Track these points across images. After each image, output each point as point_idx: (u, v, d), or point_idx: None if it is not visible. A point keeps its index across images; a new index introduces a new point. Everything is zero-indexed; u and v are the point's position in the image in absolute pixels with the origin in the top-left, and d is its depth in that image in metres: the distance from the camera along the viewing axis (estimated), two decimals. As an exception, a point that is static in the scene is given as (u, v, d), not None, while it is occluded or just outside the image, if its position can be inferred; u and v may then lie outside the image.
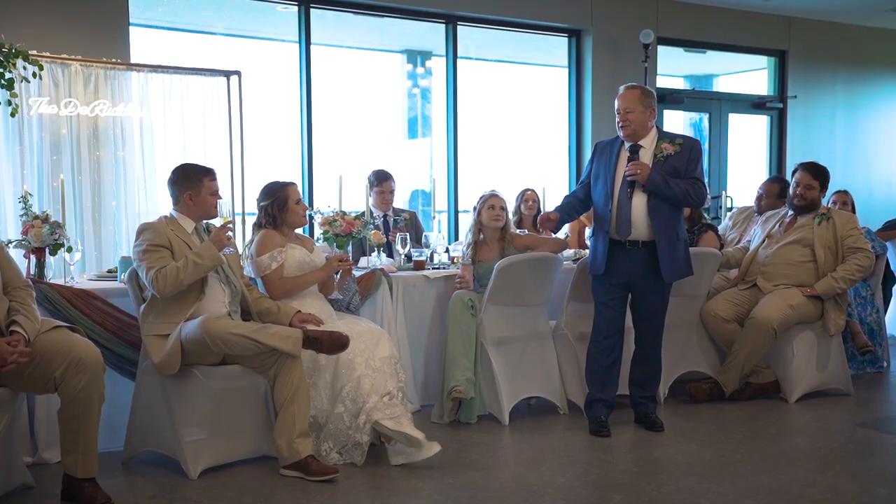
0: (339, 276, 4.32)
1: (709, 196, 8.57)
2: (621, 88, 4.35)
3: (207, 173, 3.92)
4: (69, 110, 5.66)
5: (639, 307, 4.47)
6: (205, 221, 3.99)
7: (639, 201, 4.25)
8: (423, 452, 3.82)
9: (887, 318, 6.29)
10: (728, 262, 5.31)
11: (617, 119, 4.32)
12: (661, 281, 4.32)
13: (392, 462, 3.85)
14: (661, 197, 4.21)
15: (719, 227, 6.06)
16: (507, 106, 8.95)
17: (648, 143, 4.31)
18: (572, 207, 4.58)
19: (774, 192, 5.70)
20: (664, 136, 4.33)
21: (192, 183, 3.86)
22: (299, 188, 4.37)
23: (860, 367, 5.74)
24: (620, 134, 4.34)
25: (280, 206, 4.20)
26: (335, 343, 3.70)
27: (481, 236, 4.82)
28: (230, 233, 3.86)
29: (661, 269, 4.26)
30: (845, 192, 6.18)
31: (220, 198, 3.97)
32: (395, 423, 3.82)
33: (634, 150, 4.30)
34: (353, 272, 4.57)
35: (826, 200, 6.09)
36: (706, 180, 9.29)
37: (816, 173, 5.14)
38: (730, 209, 6.80)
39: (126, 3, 6.64)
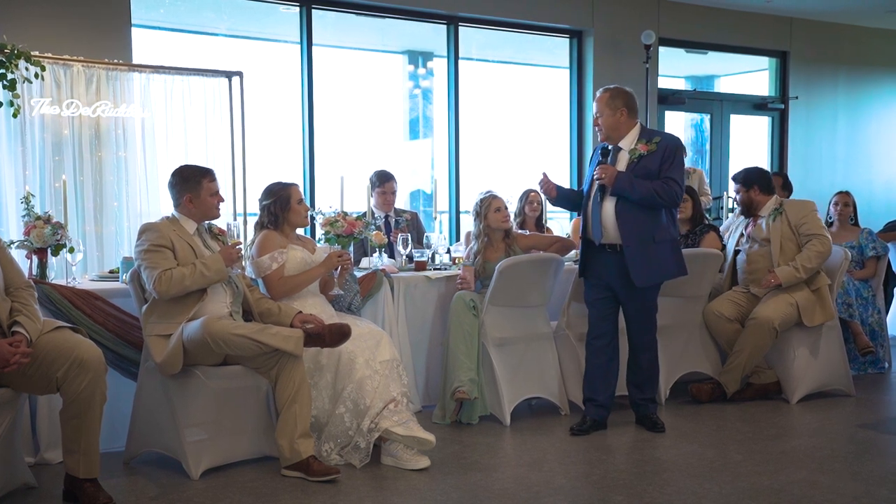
0: (338, 272, 4.33)
1: (710, 196, 8.61)
2: (597, 93, 4.36)
3: (206, 174, 3.91)
4: (71, 111, 5.67)
5: (624, 310, 4.45)
6: (207, 222, 4.00)
7: (609, 205, 4.24)
8: (412, 464, 3.82)
9: (888, 318, 6.28)
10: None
11: (592, 123, 4.37)
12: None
13: (382, 461, 3.87)
14: (628, 199, 4.19)
15: (724, 226, 6.06)
16: (509, 107, 8.95)
17: (628, 144, 4.29)
18: (573, 195, 4.59)
19: (777, 184, 5.69)
20: (643, 136, 4.29)
21: (191, 185, 3.86)
22: (301, 189, 4.38)
23: (861, 367, 5.73)
24: (600, 138, 4.38)
25: (282, 204, 4.21)
26: (337, 334, 3.70)
27: (486, 238, 4.81)
28: (241, 254, 3.87)
29: (630, 273, 4.21)
30: (847, 193, 6.18)
31: (222, 199, 3.98)
32: (406, 429, 3.83)
33: (605, 154, 4.31)
34: (355, 273, 4.57)
35: (828, 201, 6.14)
36: (709, 180, 9.26)
37: (737, 178, 5.25)
38: (731, 210, 6.80)
39: (128, 4, 6.65)
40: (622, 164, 4.26)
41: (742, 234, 5.28)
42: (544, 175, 4.45)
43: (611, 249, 4.28)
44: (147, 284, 3.69)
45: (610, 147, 4.33)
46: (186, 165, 4.05)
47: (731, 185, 5.32)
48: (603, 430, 4.42)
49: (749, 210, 5.20)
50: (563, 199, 4.56)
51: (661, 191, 4.17)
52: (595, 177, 4.24)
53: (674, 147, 4.26)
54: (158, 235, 3.73)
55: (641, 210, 4.21)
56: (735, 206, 5.36)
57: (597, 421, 4.42)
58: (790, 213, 5.06)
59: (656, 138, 4.27)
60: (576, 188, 4.72)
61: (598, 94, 4.32)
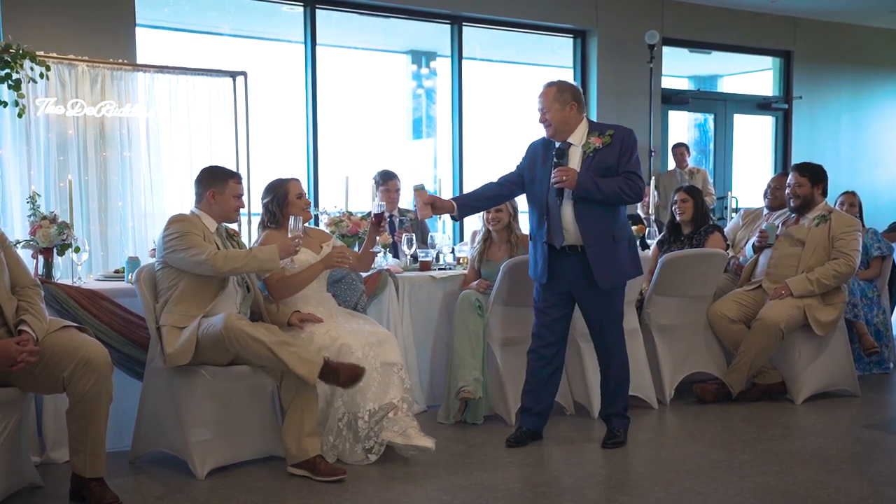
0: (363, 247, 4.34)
1: (713, 196, 8.61)
2: (541, 88, 4.12)
3: (234, 175, 3.96)
4: (76, 111, 5.69)
5: (586, 316, 4.20)
6: (225, 224, 4.00)
7: (568, 207, 4.01)
8: (417, 440, 3.85)
9: (894, 319, 6.27)
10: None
11: (539, 119, 4.12)
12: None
13: (389, 440, 3.86)
14: (594, 200, 3.95)
15: (728, 226, 6.05)
16: (512, 107, 8.96)
17: (578, 139, 4.04)
18: (486, 194, 4.29)
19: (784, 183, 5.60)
20: (594, 129, 4.05)
21: (217, 182, 3.89)
22: (302, 184, 4.31)
23: (866, 368, 5.72)
24: (545, 134, 4.12)
25: (280, 201, 4.16)
26: (351, 375, 3.63)
27: (492, 235, 4.81)
28: (297, 248, 3.89)
29: (594, 275, 4.00)
30: (853, 193, 6.16)
31: (243, 205, 4.00)
32: (405, 438, 3.85)
33: (560, 155, 4.03)
34: (360, 273, 4.56)
35: (833, 201, 6.09)
36: (712, 180, 9.24)
37: (803, 171, 5.13)
38: (735, 210, 6.80)
39: (132, 3, 6.67)
40: (575, 160, 4.01)
41: (779, 227, 5.17)
42: (419, 195, 4.12)
43: (571, 251, 4.05)
44: (192, 263, 3.66)
45: (558, 144, 4.09)
46: (216, 165, 4.13)
47: (791, 175, 5.11)
48: (539, 440, 4.25)
49: (803, 207, 5.09)
50: (474, 206, 4.34)
51: (627, 187, 3.94)
52: (554, 180, 3.96)
53: (631, 140, 4.06)
54: (192, 225, 3.77)
55: (601, 209, 3.99)
56: (789, 198, 5.11)
57: (532, 431, 4.22)
58: (834, 224, 5.00)
59: (609, 131, 4.05)
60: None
61: (542, 90, 4.09)
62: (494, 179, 4.33)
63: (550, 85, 4.07)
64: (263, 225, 4.24)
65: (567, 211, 4.02)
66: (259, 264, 3.77)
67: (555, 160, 4.04)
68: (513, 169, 4.30)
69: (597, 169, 3.98)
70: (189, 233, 3.71)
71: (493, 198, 4.35)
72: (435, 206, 4.15)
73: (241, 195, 3.96)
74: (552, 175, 3.99)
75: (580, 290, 4.11)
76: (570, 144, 4.06)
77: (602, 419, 4.32)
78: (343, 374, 3.62)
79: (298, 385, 3.66)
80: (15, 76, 5.33)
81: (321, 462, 3.66)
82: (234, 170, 4.05)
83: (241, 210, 4.02)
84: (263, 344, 3.54)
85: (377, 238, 4.39)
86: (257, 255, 3.76)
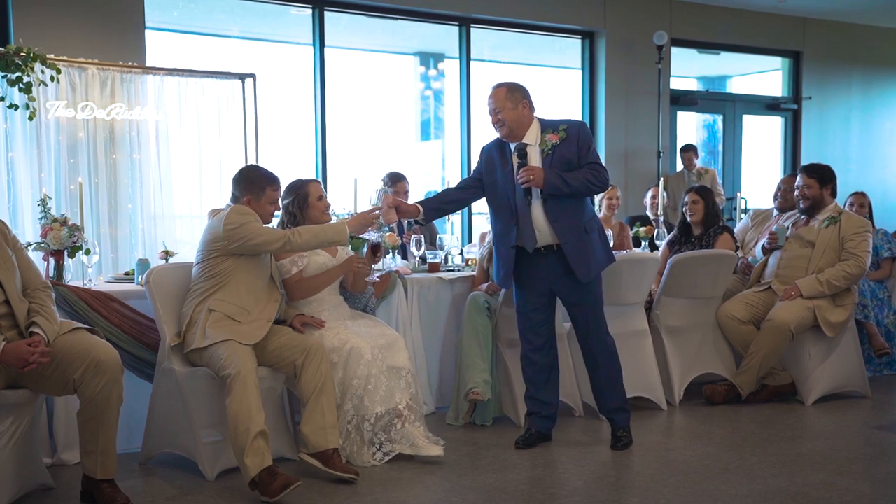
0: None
1: (723, 196, 8.60)
2: (490, 89, 4.12)
3: (272, 183, 3.93)
4: (86, 114, 5.71)
5: (572, 313, 4.19)
6: None
7: (539, 207, 3.99)
8: (427, 454, 3.90)
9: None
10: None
11: (491, 121, 4.08)
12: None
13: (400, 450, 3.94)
14: (562, 195, 3.95)
15: (738, 227, 6.03)
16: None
17: (533, 138, 4.02)
18: (448, 198, 4.29)
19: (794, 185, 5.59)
20: (547, 127, 4.04)
21: (254, 188, 3.88)
22: (322, 186, 4.29)
23: (877, 369, 5.70)
24: (499, 135, 4.09)
25: (300, 203, 4.13)
26: (282, 485, 3.41)
27: None
28: (374, 220, 3.95)
29: (573, 270, 4.00)
30: (862, 194, 6.14)
31: (278, 208, 4.01)
32: (414, 449, 3.89)
33: (522, 154, 4.00)
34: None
35: (843, 202, 6.07)
36: (721, 180, 9.22)
37: (811, 172, 5.13)
38: (744, 210, 6.78)
39: (142, 6, 6.70)
40: (534, 160, 4.00)
41: (789, 228, 5.16)
42: (384, 198, 4.13)
43: (546, 251, 4.04)
44: (262, 244, 3.70)
45: (514, 145, 4.06)
46: (255, 167, 4.14)
47: (800, 177, 5.12)
48: (548, 441, 4.26)
49: (812, 209, 5.09)
50: (440, 209, 4.29)
51: (593, 177, 3.95)
52: (521, 180, 3.93)
53: (586, 132, 4.05)
54: (252, 214, 3.77)
55: (570, 205, 3.99)
56: (798, 200, 5.12)
57: (541, 432, 4.23)
58: (844, 225, 4.99)
59: (563, 126, 4.02)
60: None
61: (492, 90, 4.08)
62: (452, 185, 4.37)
63: (500, 85, 4.08)
64: (283, 225, 4.22)
65: (537, 211, 4.01)
66: (329, 237, 3.82)
67: (518, 160, 4.02)
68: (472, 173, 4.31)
69: (558, 165, 3.98)
70: (252, 221, 3.75)
71: (455, 202, 4.35)
72: (400, 209, 4.11)
73: (278, 199, 3.99)
74: (518, 176, 3.97)
75: (561, 287, 4.11)
76: (527, 144, 4.04)
77: (605, 417, 4.33)
78: (278, 482, 3.41)
79: (318, 379, 3.69)
80: (26, 79, 5.36)
81: (336, 456, 3.66)
82: (274, 174, 4.00)
83: (276, 212, 4.04)
84: (252, 422, 3.43)
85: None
86: (327, 229, 3.83)
